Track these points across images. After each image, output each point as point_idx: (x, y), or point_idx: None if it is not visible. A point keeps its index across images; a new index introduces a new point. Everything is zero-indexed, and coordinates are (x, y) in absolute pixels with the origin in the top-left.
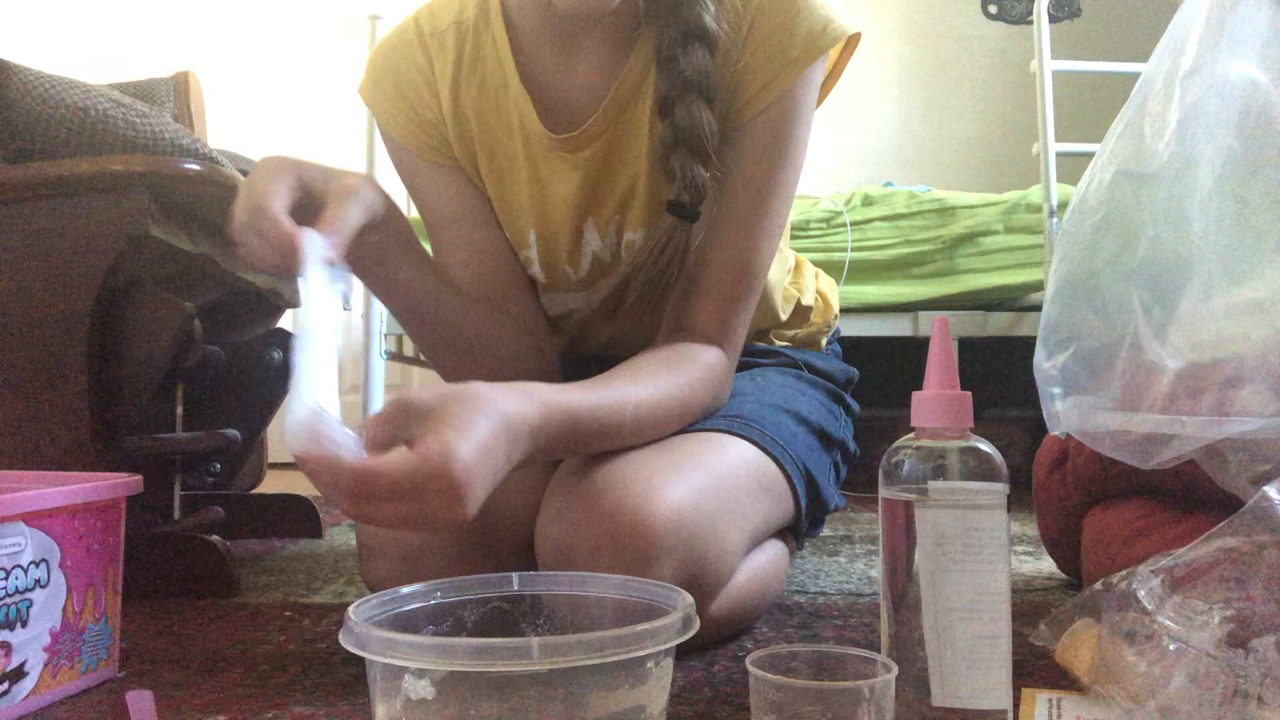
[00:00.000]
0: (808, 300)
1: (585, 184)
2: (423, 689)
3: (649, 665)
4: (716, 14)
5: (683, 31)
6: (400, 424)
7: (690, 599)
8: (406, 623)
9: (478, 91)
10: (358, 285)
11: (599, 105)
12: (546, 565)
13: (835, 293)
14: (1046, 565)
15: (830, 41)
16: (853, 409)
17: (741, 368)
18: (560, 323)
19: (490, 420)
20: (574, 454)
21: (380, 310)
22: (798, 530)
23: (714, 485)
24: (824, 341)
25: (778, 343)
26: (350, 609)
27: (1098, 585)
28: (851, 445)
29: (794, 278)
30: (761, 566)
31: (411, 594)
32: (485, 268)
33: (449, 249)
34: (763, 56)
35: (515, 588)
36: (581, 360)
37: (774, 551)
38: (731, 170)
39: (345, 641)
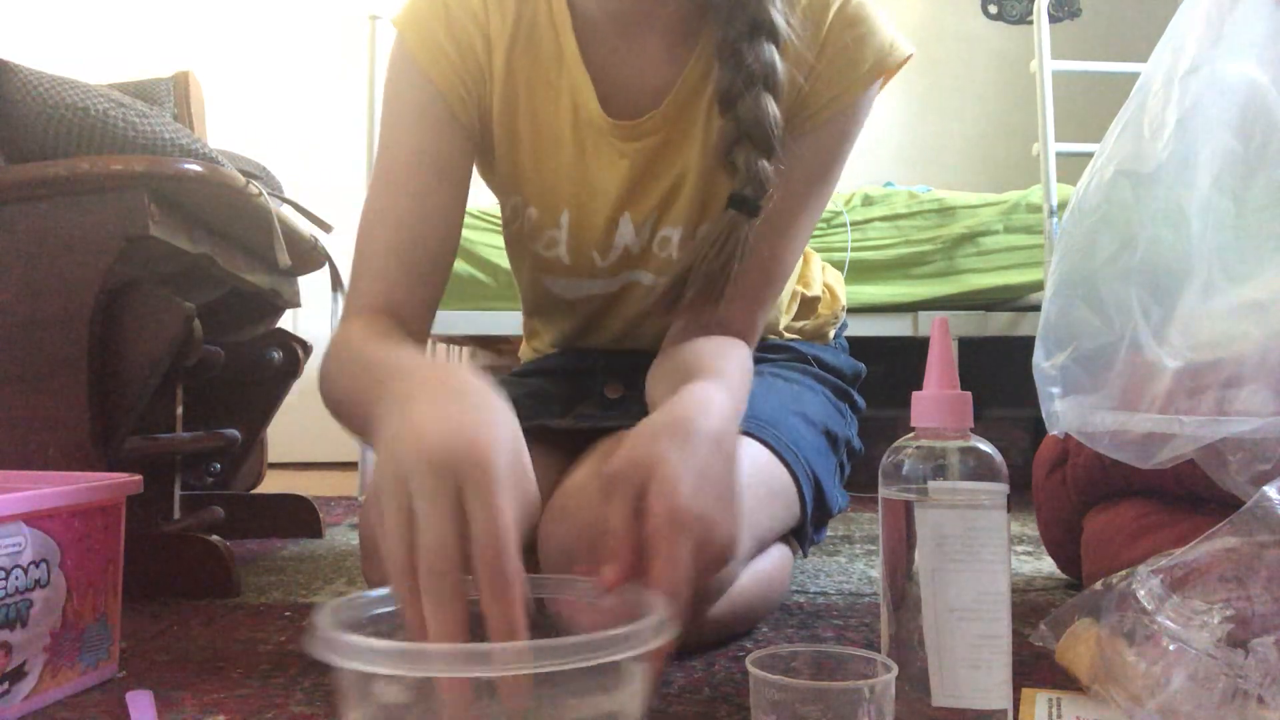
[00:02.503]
0: (814, 292)
1: (632, 175)
2: (396, 693)
3: (624, 671)
4: (785, 12)
5: (749, 25)
6: (621, 497)
7: (665, 603)
8: (379, 626)
9: (532, 61)
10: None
11: (661, 99)
12: (550, 567)
13: (842, 285)
14: (1046, 565)
15: (895, 60)
16: (859, 405)
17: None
18: (576, 307)
19: (699, 442)
20: None
21: None
22: (802, 535)
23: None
24: (832, 334)
25: (787, 335)
26: (317, 612)
27: (1098, 585)
28: (856, 442)
29: (801, 271)
30: (765, 570)
31: (385, 597)
32: (426, 231)
33: (400, 196)
34: (835, 69)
35: None
36: (586, 353)
37: (778, 555)
38: (778, 177)
39: (309, 647)
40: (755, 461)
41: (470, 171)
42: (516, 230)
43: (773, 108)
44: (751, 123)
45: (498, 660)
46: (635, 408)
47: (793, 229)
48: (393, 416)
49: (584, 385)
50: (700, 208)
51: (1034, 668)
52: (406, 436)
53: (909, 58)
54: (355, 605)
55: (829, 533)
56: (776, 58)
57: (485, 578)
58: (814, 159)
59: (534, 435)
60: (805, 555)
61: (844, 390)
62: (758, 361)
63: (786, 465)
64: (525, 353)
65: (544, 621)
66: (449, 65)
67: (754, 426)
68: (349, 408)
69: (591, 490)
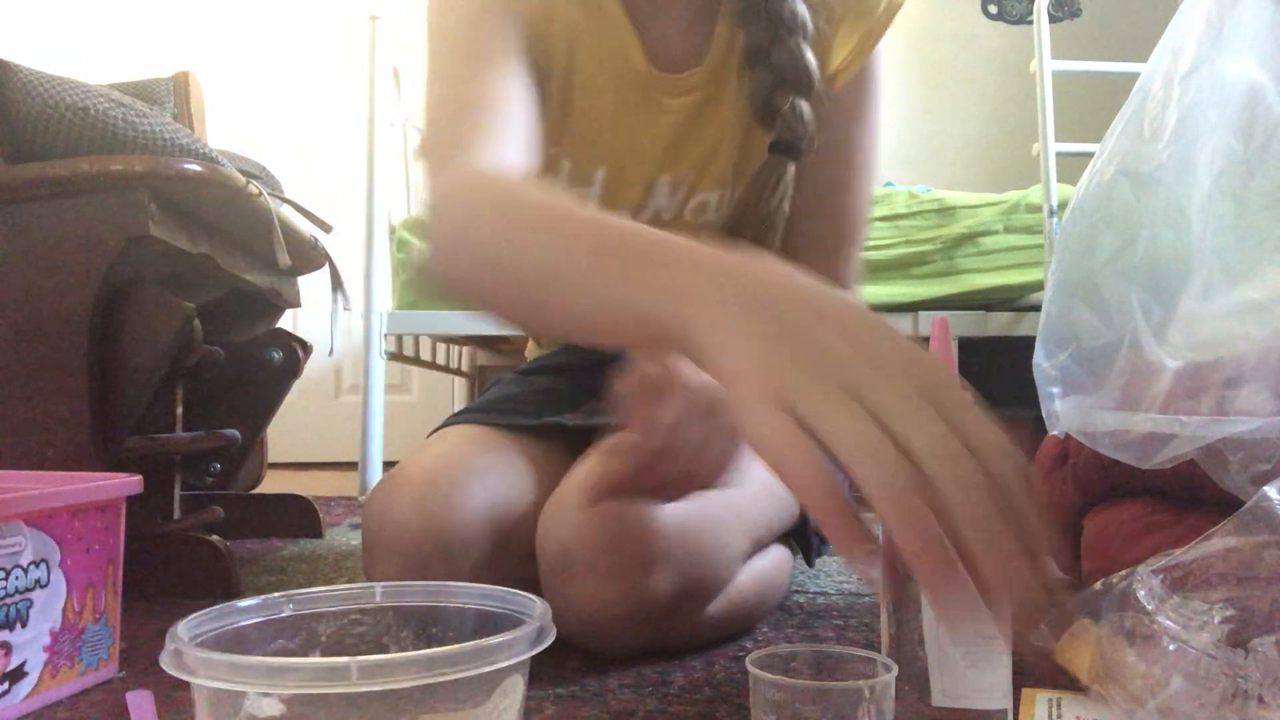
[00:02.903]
0: None
1: (673, 134)
2: (269, 706)
3: (495, 682)
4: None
5: None
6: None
7: (548, 609)
8: (246, 638)
9: (583, 12)
10: (357, 286)
11: (701, 57)
12: (548, 566)
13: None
14: None
15: (899, 4)
16: None
17: None
18: None
19: None
20: None
21: (380, 310)
22: (807, 544)
23: (719, 490)
24: None
25: None
26: (180, 624)
27: (1097, 585)
28: None
29: None
30: (763, 570)
31: (257, 606)
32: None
33: (471, 85)
34: (848, 25)
35: (377, 600)
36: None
37: (776, 555)
38: (822, 130)
39: (168, 664)
40: (750, 457)
41: (535, 108)
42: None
43: (808, 52)
44: (789, 68)
45: (361, 674)
46: None
47: (851, 182)
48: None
49: (592, 382)
50: (735, 174)
51: (1034, 668)
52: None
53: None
54: (213, 618)
55: None
56: (804, 7)
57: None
58: (846, 114)
59: (544, 432)
60: (810, 564)
61: None
62: None
63: None
64: (531, 350)
65: (430, 632)
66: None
67: None
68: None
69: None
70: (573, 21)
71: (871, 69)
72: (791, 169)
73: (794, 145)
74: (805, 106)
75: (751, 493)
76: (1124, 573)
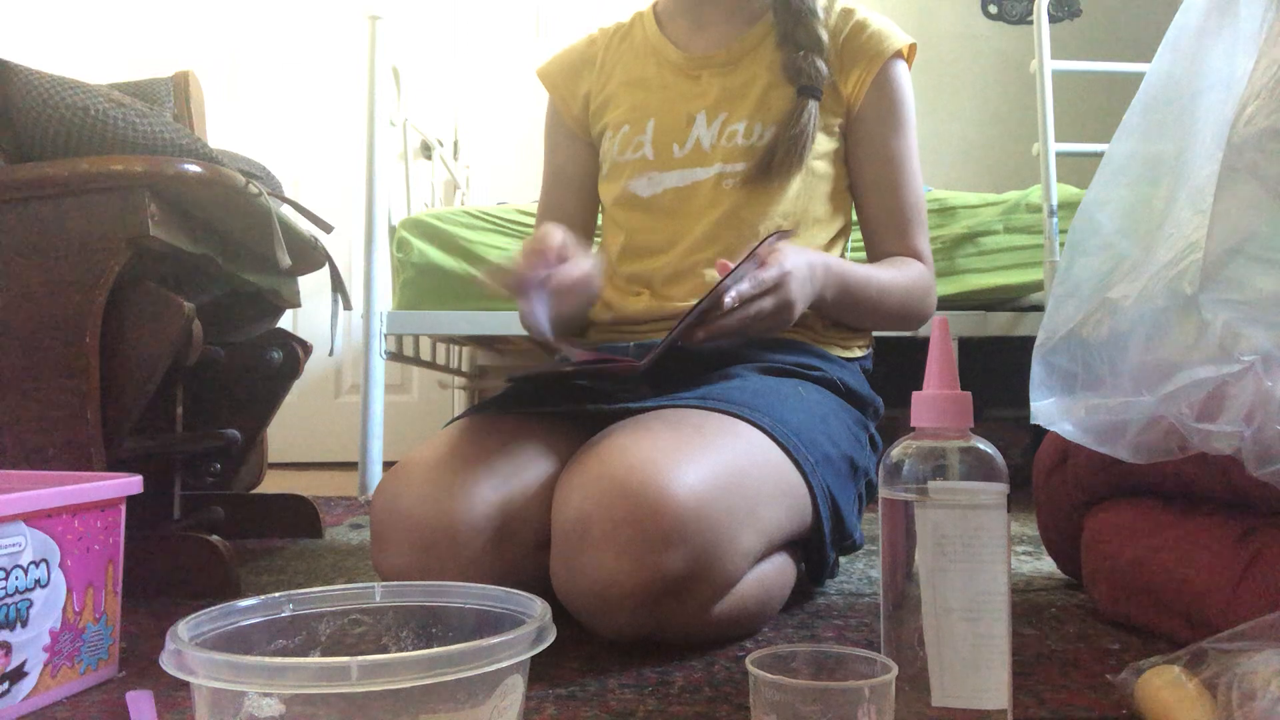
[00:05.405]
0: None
1: (703, 86)
2: (269, 706)
3: (494, 682)
4: (824, 19)
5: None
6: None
7: (548, 609)
8: (246, 638)
9: (625, 45)
10: (357, 286)
11: (728, 44)
12: (563, 533)
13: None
14: (1046, 565)
15: (893, 44)
16: (878, 443)
17: (784, 374)
18: (651, 211)
19: (806, 257)
20: (833, 311)
21: (380, 310)
22: (822, 561)
23: (738, 481)
24: (860, 352)
25: (825, 332)
26: (180, 624)
27: (1204, 645)
28: (874, 474)
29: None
30: (767, 576)
31: (257, 606)
32: (566, 215)
33: (553, 197)
34: (848, 57)
35: (376, 600)
36: (618, 350)
37: (780, 561)
38: (861, 143)
39: (168, 664)
40: (768, 457)
41: (591, 172)
42: (614, 157)
43: (820, 29)
44: (809, 42)
45: (361, 674)
46: (667, 399)
47: (897, 173)
48: None
49: (619, 378)
50: (759, 108)
51: (1034, 667)
52: None
53: (911, 44)
54: (213, 618)
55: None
56: (821, 31)
57: None
58: (873, 126)
59: (561, 417)
60: (819, 583)
61: (864, 422)
62: (789, 374)
63: (804, 475)
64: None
65: (431, 632)
66: (569, 92)
67: (777, 431)
68: None
69: (610, 454)
70: (610, 58)
71: (899, 95)
72: (814, 106)
73: (814, 88)
74: (819, 62)
75: (770, 494)
76: (1238, 645)
